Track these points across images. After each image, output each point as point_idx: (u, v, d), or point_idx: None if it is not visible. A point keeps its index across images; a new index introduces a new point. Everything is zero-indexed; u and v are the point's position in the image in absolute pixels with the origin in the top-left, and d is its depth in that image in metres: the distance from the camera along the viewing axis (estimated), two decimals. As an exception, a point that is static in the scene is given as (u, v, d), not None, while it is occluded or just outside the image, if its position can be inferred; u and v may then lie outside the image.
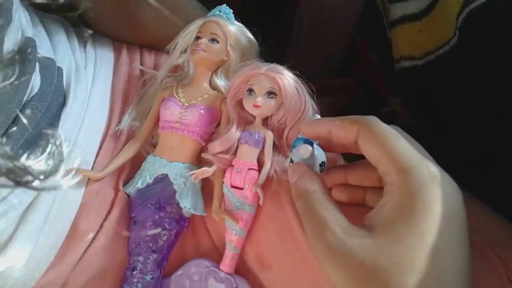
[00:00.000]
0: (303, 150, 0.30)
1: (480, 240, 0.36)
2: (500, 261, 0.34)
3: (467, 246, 0.24)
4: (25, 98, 0.34)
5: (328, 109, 0.62)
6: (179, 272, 0.38)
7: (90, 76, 0.43)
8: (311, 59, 0.70)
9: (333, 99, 0.70)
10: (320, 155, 0.32)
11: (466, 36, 0.46)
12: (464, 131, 0.51)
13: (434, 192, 0.24)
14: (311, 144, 0.31)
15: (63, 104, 0.39)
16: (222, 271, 0.37)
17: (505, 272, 0.34)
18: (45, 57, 0.39)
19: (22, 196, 0.33)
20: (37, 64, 0.35)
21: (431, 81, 0.54)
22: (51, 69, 0.38)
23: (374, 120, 0.28)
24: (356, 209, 0.32)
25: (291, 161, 0.32)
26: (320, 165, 0.31)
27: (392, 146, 0.26)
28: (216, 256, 0.39)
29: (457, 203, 0.25)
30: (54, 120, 0.38)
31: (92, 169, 0.39)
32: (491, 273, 0.34)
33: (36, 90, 0.36)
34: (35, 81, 0.36)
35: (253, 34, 0.44)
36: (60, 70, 0.40)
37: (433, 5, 0.52)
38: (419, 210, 0.23)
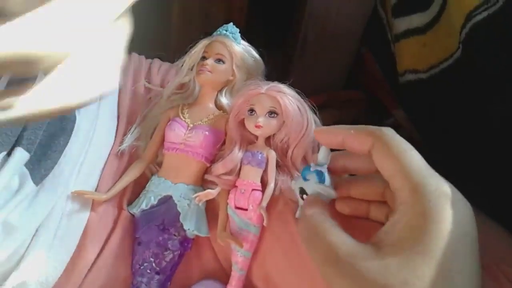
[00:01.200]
0: (323, 191, 0.30)
1: (487, 257, 0.36)
2: (507, 280, 0.34)
3: (478, 265, 0.24)
4: None
5: (335, 123, 0.62)
6: (187, 293, 0.38)
7: None
8: (316, 72, 0.70)
9: (341, 112, 0.70)
10: (331, 183, 0.31)
11: (470, 50, 0.46)
12: (468, 144, 0.51)
13: (446, 212, 0.23)
14: (324, 178, 0.31)
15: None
16: (230, 292, 0.37)
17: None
18: None
19: (37, 212, 0.34)
20: None
21: (436, 94, 0.54)
22: None
23: (390, 132, 0.27)
24: (361, 223, 0.32)
25: (303, 191, 0.31)
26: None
27: (407, 162, 0.25)
28: (223, 276, 0.39)
29: (469, 222, 0.24)
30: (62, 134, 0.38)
31: (97, 188, 0.39)
32: None
33: None
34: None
35: (259, 54, 0.44)
36: None
37: (437, 19, 0.52)
38: (430, 230, 0.23)
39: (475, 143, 0.49)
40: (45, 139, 0.37)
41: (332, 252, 0.25)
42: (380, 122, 0.70)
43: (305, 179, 0.31)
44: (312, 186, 0.31)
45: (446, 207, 0.23)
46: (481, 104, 0.47)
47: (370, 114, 0.72)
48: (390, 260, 0.23)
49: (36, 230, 0.35)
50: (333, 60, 0.70)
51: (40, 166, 0.35)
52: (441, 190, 0.24)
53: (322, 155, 0.31)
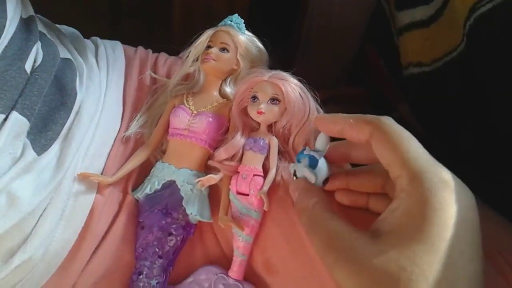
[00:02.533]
0: (308, 176, 0.30)
1: (489, 245, 0.36)
2: (509, 267, 0.34)
3: (480, 251, 0.24)
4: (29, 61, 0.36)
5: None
6: (189, 280, 0.38)
7: (104, 79, 0.44)
8: (320, 67, 0.70)
9: (344, 107, 0.70)
10: (325, 171, 0.31)
11: (474, 43, 0.46)
12: (473, 137, 0.51)
13: (445, 198, 0.23)
14: (316, 163, 0.31)
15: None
16: (231, 277, 0.37)
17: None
18: (48, 37, 0.41)
19: (42, 193, 0.35)
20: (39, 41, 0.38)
21: (439, 87, 0.54)
22: (52, 49, 0.40)
23: (389, 121, 0.27)
24: (361, 213, 0.32)
25: (295, 174, 0.32)
26: (323, 181, 0.31)
27: (405, 150, 0.25)
28: (224, 262, 0.39)
29: (470, 208, 0.24)
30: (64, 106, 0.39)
31: (102, 172, 0.40)
32: (500, 278, 0.33)
33: (39, 62, 0.38)
34: (38, 54, 0.38)
35: (263, 44, 0.45)
36: (69, 61, 0.42)
37: (440, 12, 0.52)
38: (429, 217, 0.23)
39: (480, 134, 0.49)
40: (45, 111, 0.37)
41: (333, 239, 0.25)
42: (384, 115, 0.70)
43: (298, 161, 0.31)
44: (301, 169, 0.31)
45: (445, 195, 0.23)
46: (485, 97, 0.47)
47: (374, 109, 0.72)
48: (389, 247, 0.23)
49: (43, 211, 0.35)
50: (337, 55, 0.70)
51: (41, 136, 0.36)
52: (441, 177, 0.24)
53: (320, 142, 0.32)
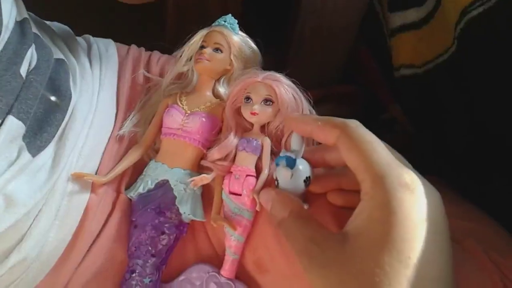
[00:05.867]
0: (284, 174, 0.31)
1: (476, 245, 0.36)
2: (496, 267, 0.35)
3: (448, 251, 0.24)
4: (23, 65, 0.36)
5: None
6: (181, 278, 0.39)
7: (96, 78, 0.44)
8: (312, 67, 0.70)
9: (336, 106, 0.71)
10: (305, 170, 0.32)
11: (465, 45, 0.47)
12: (463, 138, 0.51)
13: (404, 201, 0.24)
14: (294, 162, 0.31)
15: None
16: (223, 276, 0.37)
17: (500, 279, 0.34)
18: (41, 38, 0.41)
19: (37, 195, 0.35)
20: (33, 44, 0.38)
21: (431, 89, 0.55)
22: (46, 50, 0.40)
23: (355, 125, 0.28)
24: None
25: (277, 181, 0.32)
26: (304, 180, 0.32)
27: (369, 154, 0.26)
28: (216, 260, 0.39)
29: (435, 210, 0.25)
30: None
31: (97, 171, 0.40)
32: (486, 278, 0.34)
33: (33, 64, 0.37)
34: (33, 56, 0.38)
35: (256, 45, 0.45)
36: (62, 61, 0.42)
37: (431, 15, 0.53)
38: (389, 220, 0.23)
39: (470, 136, 0.50)
40: (40, 114, 0.37)
41: (307, 245, 0.26)
42: (376, 116, 0.70)
43: (277, 165, 0.32)
44: (280, 171, 0.31)
45: (406, 197, 0.24)
46: (476, 98, 0.48)
47: (366, 109, 0.72)
48: (353, 248, 0.24)
49: (39, 211, 0.35)
50: (329, 55, 0.70)
51: (36, 138, 0.36)
52: (401, 180, 0.24)
53: (295, 142, 0.33)
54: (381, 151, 0.26)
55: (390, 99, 0.68)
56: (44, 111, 0.38)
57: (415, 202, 0.24)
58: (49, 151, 0.37)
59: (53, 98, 0.39)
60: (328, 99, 0.69)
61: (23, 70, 0.36)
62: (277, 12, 0.73)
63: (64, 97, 0.39)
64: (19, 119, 0.34)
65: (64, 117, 0.39)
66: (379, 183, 0.25)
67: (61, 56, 0.42)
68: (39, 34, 0.41)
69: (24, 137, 0.35)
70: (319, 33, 0.67)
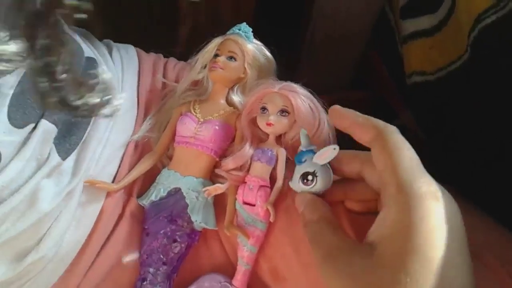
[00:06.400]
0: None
1: (493, 258, 0.36)
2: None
3: (469, 260, 0.24)
4: None
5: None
6: (193, 287, 0.38)
7: (119, 80, 0.44)
8: (324, 72, 0.70)
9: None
10: (328, 174, 0.32)
11: (478, 53, 0.47)
12: (475, 146, 0.51)
13: (431, 208, 0.24)
14: (313, 154, 0.32)
15: None
16: (235, 286, 0.37)
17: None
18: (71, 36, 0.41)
19: (60, 196, 0.35)
20: None
21: (443, 96, 0.55)
22: (78, 47, 0.41)
23: (391, 129, 0.28)
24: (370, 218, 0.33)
25: (306, 174, 0.32)
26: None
27: (399, 159, 0.26)
28: (229, 269, 0.39)
29: (456, 218, 0.25)
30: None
31: (116, 175, 0.40)
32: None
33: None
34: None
35: (271, 53, 0.45)
36: (93, 60, 0.42)
37: (445, 22, 0.53)
38: (418, 227, 0.23)
39: (481, 144, 0.50)
40: (69, 117, 0.37)
41: (333, 252, 0.26)
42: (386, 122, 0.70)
43: (300, 162, 0.32)
44: (309, 165, 0.32)
45: (432, 204, 0.24)
46: (488, 107, 0.48)
47: (375, 115, 0.72)
48: (381, 257, 0.24)
49: (60, 213, 0.36)
50: (341, 61, 0.70)
51: (65, 141, 0.37)
52: (427, 188, 0.25)
53: (304, 140, 0.33)
54: (411, 159, 0.26)
55: (400, 106, 0.67)
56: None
57: (440, 210, 0.24)
58: (74, 154, 0.37)
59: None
60: (342, 104, 0.69)
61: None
62: (289, 17, 0.72)
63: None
64: (52, 122, 0.35)
65: (90, 120, 0.39)
66: (406, 188, 0.24)
67: (92, 55, 0.42)
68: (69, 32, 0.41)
69: (55, 139, 0.36)
70: (330, 38, 0.67)
